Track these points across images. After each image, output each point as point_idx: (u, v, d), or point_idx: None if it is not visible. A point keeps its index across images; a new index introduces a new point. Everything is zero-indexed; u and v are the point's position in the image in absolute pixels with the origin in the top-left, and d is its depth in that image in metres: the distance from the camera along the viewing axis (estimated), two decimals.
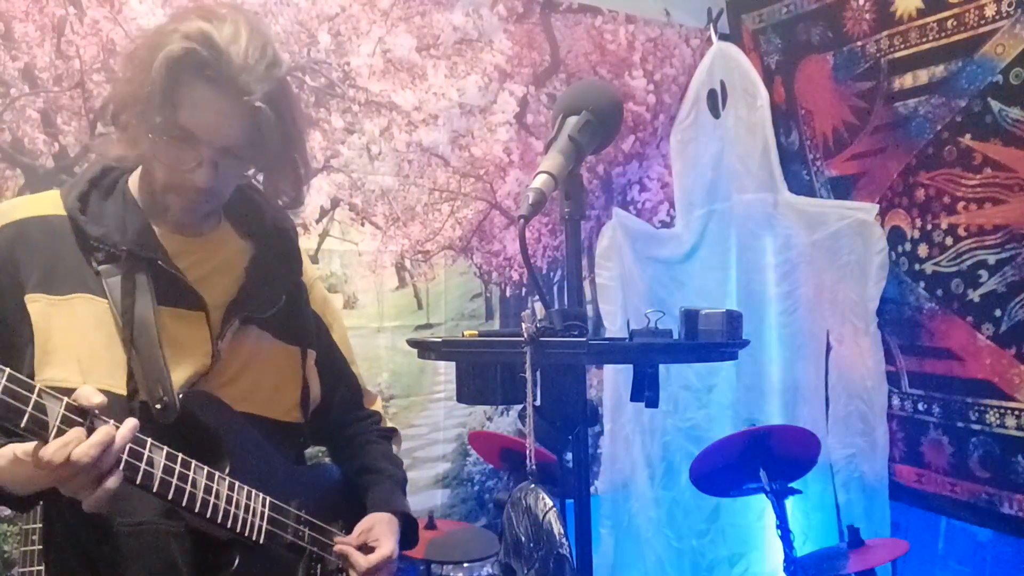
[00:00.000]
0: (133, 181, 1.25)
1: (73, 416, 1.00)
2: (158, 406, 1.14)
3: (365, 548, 1.32)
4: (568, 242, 1.06)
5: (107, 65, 2.18)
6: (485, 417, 2.84)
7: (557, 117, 1.09)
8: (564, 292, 1.09)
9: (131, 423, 1.04)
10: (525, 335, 0.93)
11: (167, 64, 1.08)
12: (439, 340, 1.05)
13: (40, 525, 1.80)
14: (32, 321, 1.14)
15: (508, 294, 2.88)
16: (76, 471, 0.98)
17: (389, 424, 1.60)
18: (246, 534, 1.19)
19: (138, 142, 1.14)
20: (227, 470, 1.18)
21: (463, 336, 1.07)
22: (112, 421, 1.03)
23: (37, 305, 1.15)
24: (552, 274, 2.95)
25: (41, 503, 1.20)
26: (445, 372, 2.67)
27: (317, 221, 2.50)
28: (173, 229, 1.24)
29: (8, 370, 0.95)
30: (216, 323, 1.24)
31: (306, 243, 2.47)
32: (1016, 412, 2.32)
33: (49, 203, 1.21)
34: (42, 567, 1.78)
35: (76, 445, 0.98)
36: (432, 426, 2.73)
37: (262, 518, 1.22)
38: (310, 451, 1.53)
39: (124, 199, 1.23)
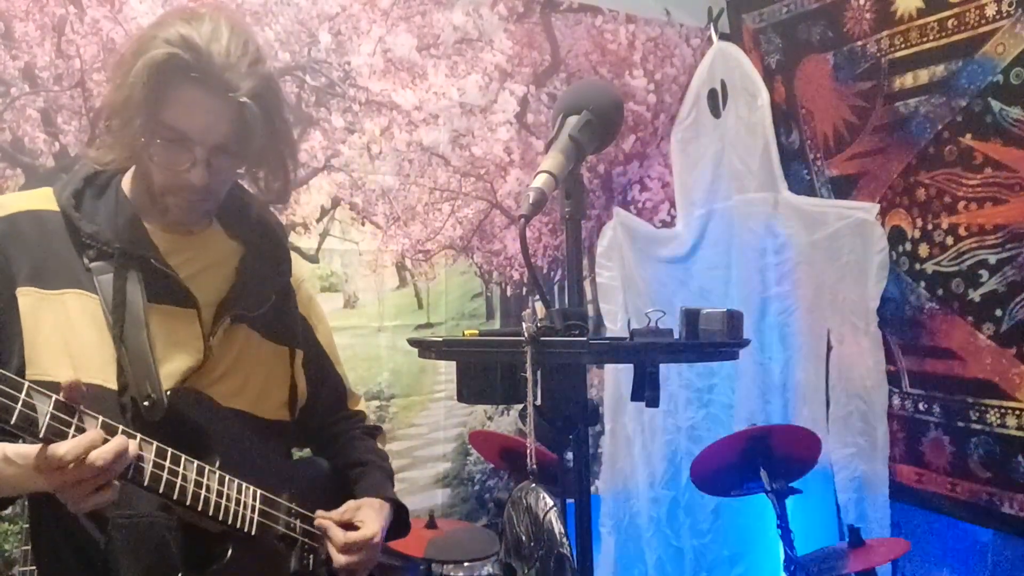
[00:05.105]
0: (126, 181, 1.27)
1: (62, 414, 1.00)
2: (146, 403, 1.15)
3: (349, 526, 1.32)
4: (569, 241, 1.06)
5: (107, 65, 2.18)
6: (485, 416, 2.84)
7: (558, 116, 1.09)
8: (565, 292, 1.09)
9: (136, 440, 1.06)
10: (526, 334, 0.93)
11: (149, 69, 1.10)
12: (439, 339, 1.05)
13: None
14: (20, 315, 1.15)
15: (509, 293, 2.88)
16: (87, 474, 0.99)
17: (375, 424, 1.60)
18: (238, 526, 1.20)
19: (131, 146, 1.16)
20: (216, 464, 1.19)
21: (463, 335, 1.07)
22: (101, 417, 1.04)
23: (28, 299, 1.15)
24: (553, 273, 2.95)
25: (28, 497, 1.21)
26: (445, 372, 2.67)
27: (318, 220, 2.50)
28: (165, 228, 1.25)
29: None
30: (207, 321, 1.25)
31: (307, 242, 2.48)
32: (1017, 412, 2.32)
33: (41, 198, 1.22)
34: (36, 567, 1.78)
35: (94, 447, 0.98)
36: (432, 425, 2.73)
37: (253, 511, 1.23)
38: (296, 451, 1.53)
39: (117, 198, 1.24)
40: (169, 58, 1.10)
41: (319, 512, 1.33)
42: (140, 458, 1.07)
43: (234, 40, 1.14)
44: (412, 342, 1.09)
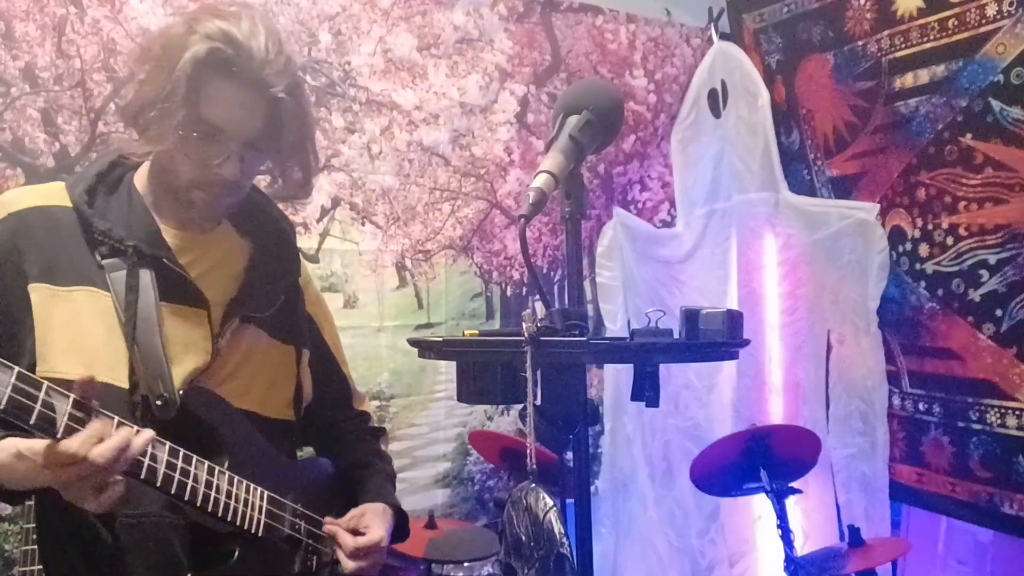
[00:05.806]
0: (139, 178, 1.26)
1: (79, 413, 1.00)
2: (158, 402, 1.15)
3: (355, 532, 1.33)
4: (569, 241, 1.05)
5: (107, 65, 2.18)
6: (485, 416, 2.84)
7: (558, 116, 1.09)
8: (565, 291, 1.09)
9: (147, 434, 1.05)
10: (526, 334, 0.93)
11: (194, 64, 1.11)
12: (439, 339, 1.05)
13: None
14: (32, 311, 1.15)
15: (509, 293, 2.88)
16: (88, 471, 0.99)
17: (378, 424, 1.61)
18: (245, 527, 1.20)
19: (163, 140, 1.16)
20: (226, 464, 1.19)
21: (463, 335, 1.07)
22: (117, 417, 1.04)
23: (39, 295, 1.15)
24: (553, 273, 2.94)
25: (34, 496, 1.21)
26: (446, 371, 2.67)
27: (318, 220, 2.50)
28: (177, 226, 1.25)
29: (17, 368, 0.96)
30: (216, 321, 1.25)
31: (307, 242, 2.48)
32: (1017, 412, 2.32)
33: (53, 194, 1.22)
34: (43, 566, 1.78)
35: (95, 444, 0.99)
36: (432, 425, 2.73)
37: (260, 511, 1.23)
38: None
39: (130, 195, 1.24)
40: (212, 52, 1.11)
41: (327, 519, 1.34)
42: (154, 458, 1.08)
43: (271, 38, 1.16)
44: (412, 342, 1.09)
